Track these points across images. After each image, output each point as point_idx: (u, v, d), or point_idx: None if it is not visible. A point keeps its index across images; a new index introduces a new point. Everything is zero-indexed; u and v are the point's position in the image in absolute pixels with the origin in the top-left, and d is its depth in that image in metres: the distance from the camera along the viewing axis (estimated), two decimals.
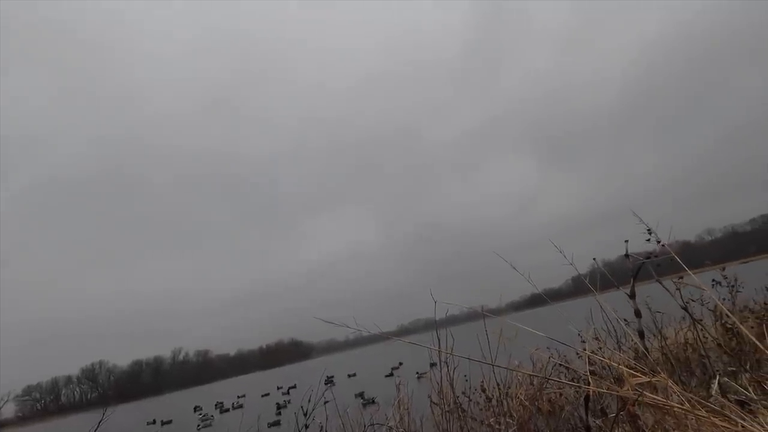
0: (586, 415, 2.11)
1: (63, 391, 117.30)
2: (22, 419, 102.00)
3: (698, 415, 1.45)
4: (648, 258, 2.88)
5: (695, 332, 3.95)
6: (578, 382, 2.71)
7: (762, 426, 1.39)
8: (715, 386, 2.00)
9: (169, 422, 29.94)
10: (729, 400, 1.85)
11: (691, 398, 1.54)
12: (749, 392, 2.02)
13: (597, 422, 2.81)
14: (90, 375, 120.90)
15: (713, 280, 4.94)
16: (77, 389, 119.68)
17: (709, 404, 1.53)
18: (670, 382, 1.63)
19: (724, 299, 4.87)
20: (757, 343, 1.70)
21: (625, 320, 2.96)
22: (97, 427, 2.72)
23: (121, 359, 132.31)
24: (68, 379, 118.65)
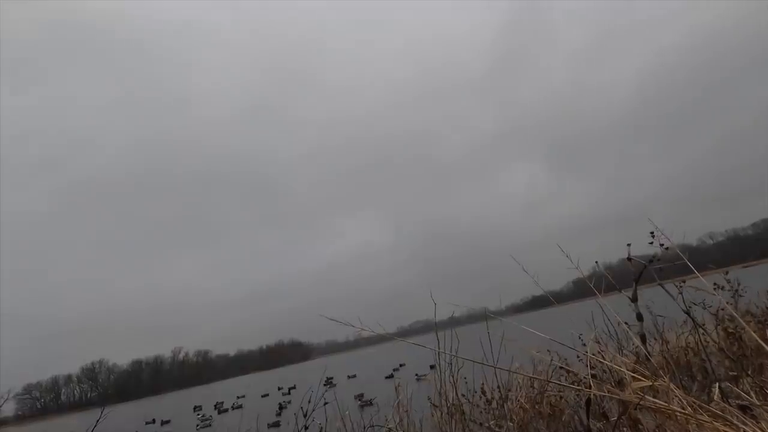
0: (587, 418, 2.10)
1: (63, 390, 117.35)
2: (21, 418, 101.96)
3: (700, 419, 1.44)
4: (651, 261, 2.87)
5: (697, 336, 3.93)
6: (579, 385, 2.69)
7: (764, 431, 1.38)
8: (716, 391, 1.99)
9: (168, 422, 29.93)
10: (731, 405, 1.83)
11: (693, 402, 1.53)
12: (751, 397, 2.01)
13: (598, 426, 2.79)
14: (90, 374, 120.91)
15: (715, 284, 4.92)
16: (77, 388, 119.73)
17: (710, 409, 1.52)
18: (671, 386, 1.62)
19: (727, 303, 4.85)
20: (763, 344, 1.68)
21: (626, 323, 2.95)
22: (95, 425, 2.71)
23: (122, 358, 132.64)
24: (68, 378, 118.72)
